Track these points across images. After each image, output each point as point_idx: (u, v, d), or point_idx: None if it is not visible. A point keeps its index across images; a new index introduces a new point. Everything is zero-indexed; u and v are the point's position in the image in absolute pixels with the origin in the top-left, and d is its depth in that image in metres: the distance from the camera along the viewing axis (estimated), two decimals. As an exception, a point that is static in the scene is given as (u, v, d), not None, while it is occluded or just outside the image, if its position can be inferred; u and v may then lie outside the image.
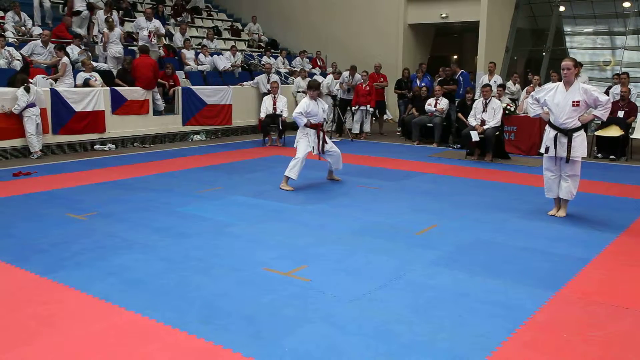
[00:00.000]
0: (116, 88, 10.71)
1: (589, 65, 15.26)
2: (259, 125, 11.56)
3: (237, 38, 17.18)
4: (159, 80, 11.48)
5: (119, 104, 10.70)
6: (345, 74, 12.70)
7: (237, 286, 3.97)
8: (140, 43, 11.97)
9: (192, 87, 12.21)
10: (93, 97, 10.23)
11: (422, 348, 3.12)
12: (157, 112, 11.52)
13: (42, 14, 12.54)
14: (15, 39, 11.09)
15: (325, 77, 14.27)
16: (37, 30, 11.66)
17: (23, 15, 11.85)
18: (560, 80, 5.85)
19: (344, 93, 12.73)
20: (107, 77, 10.97)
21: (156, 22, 12.43)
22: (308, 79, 14.85)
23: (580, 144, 5.70)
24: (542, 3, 16.10)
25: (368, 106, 12.38)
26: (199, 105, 12.10)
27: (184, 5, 17.14)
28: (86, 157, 9.57)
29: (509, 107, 10.47)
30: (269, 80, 12.56)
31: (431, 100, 11.66)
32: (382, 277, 4.16)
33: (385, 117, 14.08)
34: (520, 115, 10.58)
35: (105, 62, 11.54)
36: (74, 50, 11.06)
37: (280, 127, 10.92)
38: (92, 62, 10.93)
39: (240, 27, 18.14)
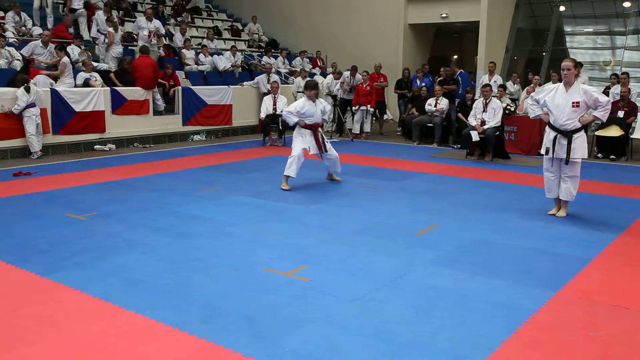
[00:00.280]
0: (116, 88, 10.70)
1: (589, 65, 15.25)
2: (259, 125, 11.56)
3: (237, 38, 17.18)
4: (159, 80, 11.48)
5: (119, 104, 10.70)
6: (346, 74, 12.69)
7: (237, 286, 3.97)
8: (140, 43, 11.97)
9: (192, 87, 12.21)
10: (93, 97, 10.23)
11: (423, 348, 3.12)
12: (157, 112, 11.52)
13: (42, 15, 12.52)
14: (15, 39, 11.09)
15: (325, 77, 14.28)
16: (37, 31, 11.65)
17: (23, 15, 11.85)
18: (561, 81, 5.84)
19: (344, 93, 12.73)
20: (106, 77, 10.97)
21: (156, 22, 12.43)
22: (308, 78, 14.90)
23: (580, 145, 5.69)
24: (543, 3, 16.10)
25: (368, 106, 12.38)
26: (199, 105, 12.10)
27: (184, 5, 17.14)
28: (86, 157, 9.57)
29: (509, 107, 10.46)
30: (269, 80, 12.56)
31: (431, 100, 11.66)
32: (382, 277, 4.16)
33: (385, 117, 14.08)
34: (521, 115, 10.58)
35: (106, 63, 11.53)
36: (74, 50, 11.06)
37: (281, 127, 10.91)
38: (92, 62, 10.93)
39: (241, 27, 18.14)
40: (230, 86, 12.81)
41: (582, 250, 4.85)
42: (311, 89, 7.24)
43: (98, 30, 11.84)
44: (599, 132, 10.25)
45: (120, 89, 10.76)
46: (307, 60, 16.42)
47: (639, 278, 4.26)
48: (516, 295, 3.86)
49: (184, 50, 13.28)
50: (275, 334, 3.25)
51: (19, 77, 9.15)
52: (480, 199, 6.76)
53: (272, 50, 16.15)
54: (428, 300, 3.77)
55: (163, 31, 12.94)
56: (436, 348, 3.12)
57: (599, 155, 10.17)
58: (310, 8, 17.79)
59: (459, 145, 10.89)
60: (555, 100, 5.70)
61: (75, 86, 10.29)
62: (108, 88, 10.61)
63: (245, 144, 11.47)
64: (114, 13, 12.87)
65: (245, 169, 8.59)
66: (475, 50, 15.65)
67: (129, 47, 12.58)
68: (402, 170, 8.59)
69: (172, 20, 15.71)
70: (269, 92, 11.79)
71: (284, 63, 15.76)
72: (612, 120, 10.19)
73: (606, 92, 11.20)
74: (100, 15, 11.94)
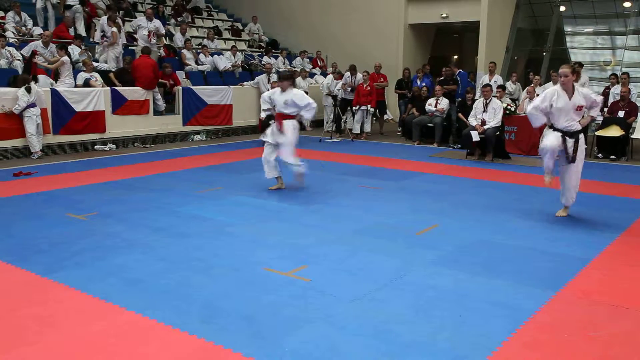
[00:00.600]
0: (116, 88, 10.71)
1: (589, 65, 15.24)
2: (259, 125, 11.53)
3: (237, 38, 17.18)
4: (160, 80, 11.48)
5: (120, 104, 10.70)
6: (347, 74, 12.68)
7: (237, 286, 3.97)
8: (140, 43, 11.97)
9: (192, 87, 12.21)
10: (93, 97, 10.23)
11: (423, 348, 3.12)
12: (157, 112, 11.52)
13: (45, 15, 12.51)
14: (15, 39, 11.08)
15: (325, 77, 14.28)
16: (37, 31, 11.65)
17: (23, 15, 11.84)
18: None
19: (345, 93, 12.73)
20: (106, 77, 10.97)
21: (156, 22, 12.43)
22: (309, 79, 14.90)
23: (582, 145, 5.71)
24: (543, 3, 16.09)
25: (369, 106, 12.38)
26: (200, 105, 12.10)
27: (184, 5, 17.14)
28: (86, 157, 9.57)
29: (509, 107, 10.46)
30: (269, 80, 12.56)
31: (431, 100, 11.66)
32: (382, 277, 4.16)
33: (385, 117, 14.08)
34: (521, 115, 10.57)
35: (106, 62, 11.53)
36: (74, 50, 11.06)
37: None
38: (92, 62, 10.93)
39: (241, 27, 18.14)
40: (231, 86, 12.81)
41: (582, 250, 4.84)
42: (282, 80, 6.97)
43: (103, 36, 11.77)
44: (599, 132, 10.24)
45: (121, 89, 10.76)
46: (308, 60, 16.43)
47: (639, 278, 4.26)
48: (516, 295, 3.86)
49: (184, 51, 13.28)
50: (275, 334, 3.25)
51: (20, 77, 9.16)
52: (480, 199, 6.76)
53: (273, 51, 16.15)
54: (428, 300, 3.77)
55: (163, 31, 12.93)
56: (436, 348, 3.12)
57: (599, 155, 10.17)
58: (310, 8, 17.79)
59: (459, 146, 10.89)
60: (558, 104, 5.69)
61: (76, 86, 10.29)
62: (108, 88, 10.61)
63: (246, 144, 11.47)
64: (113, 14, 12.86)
65: (245, 169, 8.59)
66: (476, 50, 15.65)
67: (129, 47, 12.58)
68: (402, 170, 8.59)
69: (173, 20, 15.71)
70: (269, 92, 11.78)
71: (284, 63, 15.76)
72: (612, 120, 10.21)
73: (606, 93, 11.22)
74: (103, 20, 11.90)
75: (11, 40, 10.88)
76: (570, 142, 5.65)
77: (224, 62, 13.59)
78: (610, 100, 10.76)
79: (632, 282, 4.17)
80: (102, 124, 10.43)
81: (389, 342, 3.18)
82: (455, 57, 19.88)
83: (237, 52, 14.56)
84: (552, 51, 15.71)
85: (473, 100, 10.36)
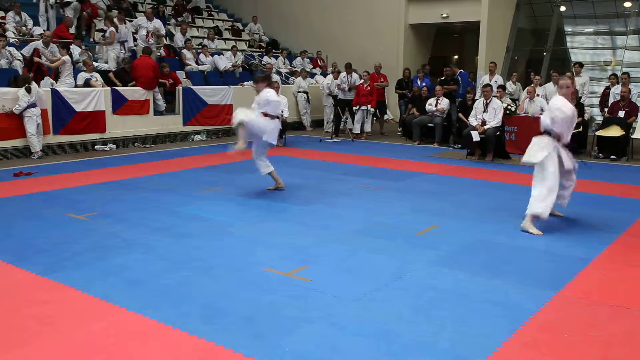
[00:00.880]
0: (117, 88, 10.71)
1: (589, 65, 15.24)
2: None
3: (237, 38, 17.18)
4: (160, 80, 11.48)
5: (120, 104, 10.70)
6: (343, 74, 12.62)
7: (237, 286, 3.97)
8: (140, 43, 11.97)
9: (192, 87, 12.21)
10: (94, 97, 10.24)
11: (423, 348, 3.12)
12: (157, 112, 11.52)
13: (47, 16, 12.51)
14: (16, 39, 11.09)
15: (325, 77, 14.27)
16: (37, 31, 11.65)
17: (24, 15, 11.84)
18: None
19: (343, 93, 12.70)
20: (106, 77, 10.97)
21: (157, 23, 12.43)
22: (309, 79, 14.90)
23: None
24: (543, 3, 16.09)
25: (369, 106, 12.37)
26: (200, 105, 12.10)
27: (184, 5, 17.15)
28: (87, 157, 9.57)
29: (509, 107, 10.46)
30: (269, 80, 12.53)
31: (432, 100, 11.65)
32: (382, 277, 4.16)
33: (385, 117, 14.07)
34: (521, 115, 10.57)
35: (107, 62, 11.54)
36: (74, 50, 11.06)
37: (281, 127, 10.87)
38: (93, 62, 10.93)
39: (241, 27, 18.15)
40: (231, 86, 12.81)
41: (582, 250, 4.84)
42: (255, 82, 7.13)
43: (103, 36, 11.75)
44: (600, 132, 10.24)
45: (121, 89, 10.77)
46: (308, 60, 16.42)
47: (639, 278, 4.26)
48: (516, 296, 3.86)
49: (184, 51, 13.28)
50: (275, 334, 3.25)
51: (21, 77, 9.16)
52: (480, 199, 6.76)
53: (273, 51, 16.16)
54: (428, 300, 3.77)
55: (163, 31, 12.93)
56: (436, 348, 3.12)
57: (600, 155, 10.16)
58: (310, 8, 17.79)
59: (459, 146, 10.88)
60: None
61: (76, 86, 10.30)
62: (109, 88, 10.61)
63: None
64: (115, 12, 12.87)
65: (245, 169, 8.57)
66: (476, 51, 15.64)
67: (131, 48, 12.57)
68: (402, 170, 8.58)
69: (173, 20, 15.71)
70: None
71: (284, 63, 15.77)
72: (612, 120, 10.21)
73: (606, 93, 11.22)
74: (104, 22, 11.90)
75: (11, 40, 10.88)
76: (564, 152, 5.68)
77: (224, 62, 13.59)
78: (611, 100, 10.76)
79: (632, 282, 4.17)
80: (103, 124, 10.44)
81: (389, 342, 3.18)
82: (456, 57, 19.88)
83: (238, 52, 14.56)
84: (552, 51, 15.71)
85: (473, 100, 10.35)
